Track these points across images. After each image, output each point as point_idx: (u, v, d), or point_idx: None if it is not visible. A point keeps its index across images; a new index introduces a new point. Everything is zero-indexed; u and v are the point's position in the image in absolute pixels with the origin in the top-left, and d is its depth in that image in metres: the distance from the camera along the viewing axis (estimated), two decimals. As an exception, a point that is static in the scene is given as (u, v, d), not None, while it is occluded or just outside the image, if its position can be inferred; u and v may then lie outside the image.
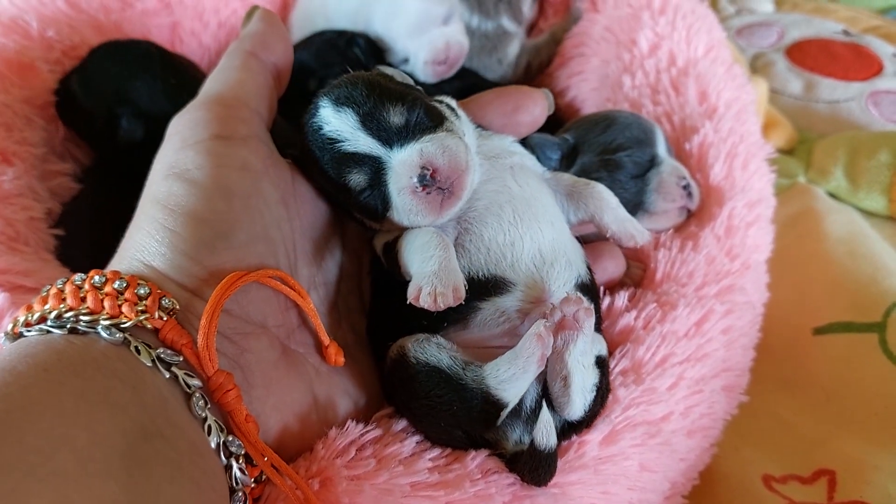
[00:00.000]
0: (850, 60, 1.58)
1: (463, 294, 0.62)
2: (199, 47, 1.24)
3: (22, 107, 1.03)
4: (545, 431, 0.62)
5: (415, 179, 0.64)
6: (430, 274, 0.62)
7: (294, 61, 1.17)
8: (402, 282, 0.66)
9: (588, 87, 1.21)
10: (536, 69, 1.31)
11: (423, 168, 0.64)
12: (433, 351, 0.65)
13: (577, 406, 0.65)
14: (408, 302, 0.62)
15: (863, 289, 1.07)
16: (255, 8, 0.77)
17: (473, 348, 0.67)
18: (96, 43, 1.07)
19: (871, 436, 0.92)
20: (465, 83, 1.13)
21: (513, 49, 1.28)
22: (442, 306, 0.60)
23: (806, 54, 1.58)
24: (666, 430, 0.74)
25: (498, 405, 0.62)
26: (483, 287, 0.68)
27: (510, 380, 0.61)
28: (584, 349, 0.64)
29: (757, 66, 1.59)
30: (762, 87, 1.39)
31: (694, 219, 0.93)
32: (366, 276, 0.79)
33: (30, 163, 1.01)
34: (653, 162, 0.93)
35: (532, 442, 0.62)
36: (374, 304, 0.77)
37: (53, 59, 1.07)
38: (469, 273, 0.68)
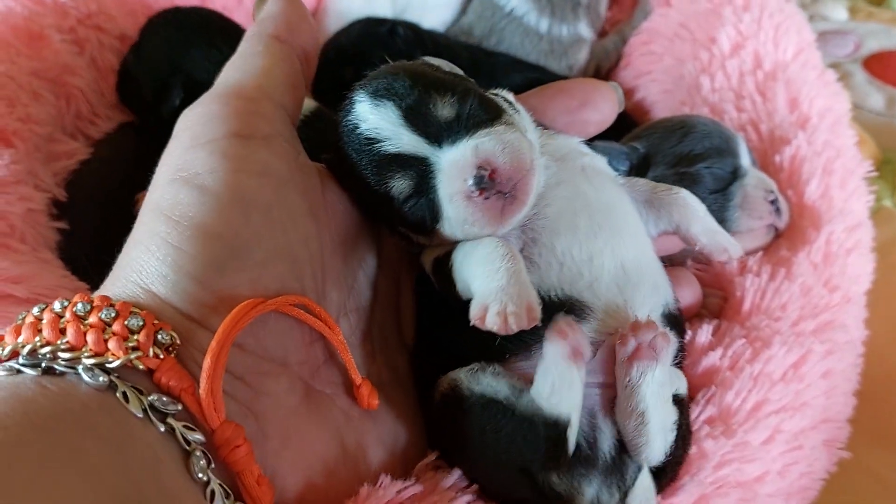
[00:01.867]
0: (935, 75, 1.46)
1: (538, 314, 0.53)
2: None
3: (29, 79, 0.95)
4: (644, 498, 0.53)
5: (470, 182, 0.55)
6: (497, 290, 0.53)
7: (330, 48, 1.07)
8: (457, 304, 0.57)
9: (658, 89, 1.11)
10: (606, 72, 1.22)
11: (479, 168, 0.55)
12: (489, 381, 0.57)
13: (656, 447, 0.56)
14: (471, 324, 0.53)
15: (967, 327, 0.94)
16: None
17: None
18: (115, 12, 1.02)
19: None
20: (527, 77, 1.03)
21: (583, 55, 1.21)
22: (514, 328, 0.51)
23: (887, 67, 1.45)
24: (762, 494, 0.63)
25: (558, 425, 0.53)
26: (555, 311, 0.57)
27: (553, 391, 0.53)
28: (663, 381, 0.55)
29: (831, 77, 1.47)
30: (841, 100, 1.28)
31: (784, 241, 0.83)
32: (405, 300, 0.70)
33: (32, 143, 0.92)
34: (735, 174, 0.84)
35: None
36: (420, 331, 0.68)
37: (67, 28, 0.99)
38: (539, 292, 0.57)
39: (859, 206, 0.87)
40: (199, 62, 0.95)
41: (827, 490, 0.76)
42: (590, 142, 0.83)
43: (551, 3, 1.16)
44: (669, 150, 0.84)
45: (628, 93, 1.15)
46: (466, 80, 0.63)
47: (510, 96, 0.66)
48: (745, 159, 0.85)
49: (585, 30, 1.19)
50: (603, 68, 1.21)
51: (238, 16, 1.14)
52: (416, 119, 0.57)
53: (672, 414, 0.58)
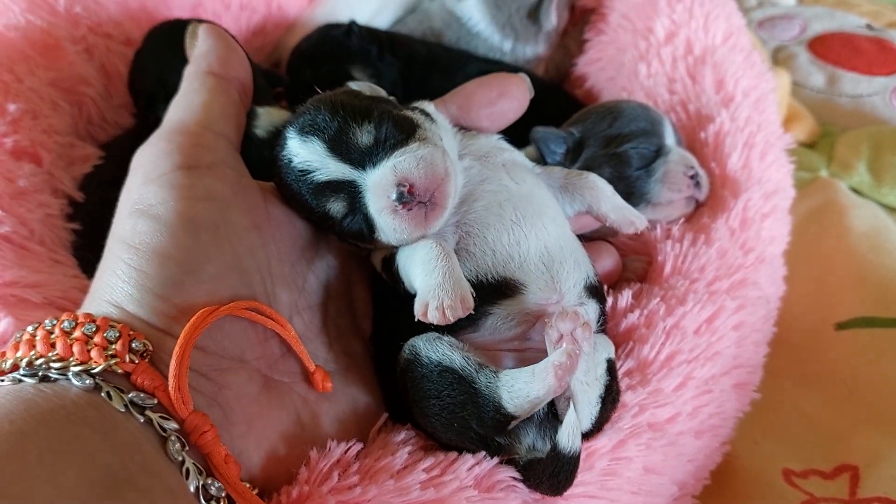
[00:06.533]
0: (874, 55, 1.44)
1: (472, 304, 0.56)
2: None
3: (48, 90, 0.94)
4: (571, 433, 0.54)
5: (393, 198, 0.58)
6: (435, 287, 0.56)
7: (294, 54, 1.08)
8: (407, 295, 0.60)
9: (605, 76, 1.11)
10: (559, 82, 1.21)
11: (399, 185, 0.57)
12: (445, 350, 0.59)
13: (583, 420, 0.58)
14: (416, 319, 0.56)
15: (887, 284, 0.96)
16: (195, 25, 0.71)
17: (483, 350, 0.60)
18: (122, 20, 1.01)
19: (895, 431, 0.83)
20: (482, 69, 1.03)
21: (540, 70, 1.20)
22: (452, 319, 0.55)
23: (829, 48, 1.44)
24: (671, 432, 0.66)
25: (509, 417, 0.56)
26: (494, 291, 0.61)
27: (524, 398, 0.55)
28: (586, 368, 0.58)
29: (778, 58, 1.46)
30: (784, 80, 1.27)
31: (706, 210, 0.83)
32: (359, 295, 0.72)
33: (56, 153, 0.91)
34: (659, 152, 0.84)
35: (555, 446, 0.55)
36: (377, 320, 0.71)
37: (79, 37, 0.99)
38: (477, 277, 0.61)
39: (779, 175, 0.87)
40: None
41: (756, 423, 0.80)
42: (532, 127, 0.84)
43: (515, 31, 1.15)
44: (601, 134, 0.84)
45: (580, 80, 1.16)
46: (383, 103, 0.64)
47: (429, 107, 0.68)
48: (669, 139, 0.85)
49: (545, 48, 1.18)
50: (556, 79, 1.20)
51: (226, 19, 1.15)
52: (340, 148, 0.59)
53: (598, 389, 0.59)
